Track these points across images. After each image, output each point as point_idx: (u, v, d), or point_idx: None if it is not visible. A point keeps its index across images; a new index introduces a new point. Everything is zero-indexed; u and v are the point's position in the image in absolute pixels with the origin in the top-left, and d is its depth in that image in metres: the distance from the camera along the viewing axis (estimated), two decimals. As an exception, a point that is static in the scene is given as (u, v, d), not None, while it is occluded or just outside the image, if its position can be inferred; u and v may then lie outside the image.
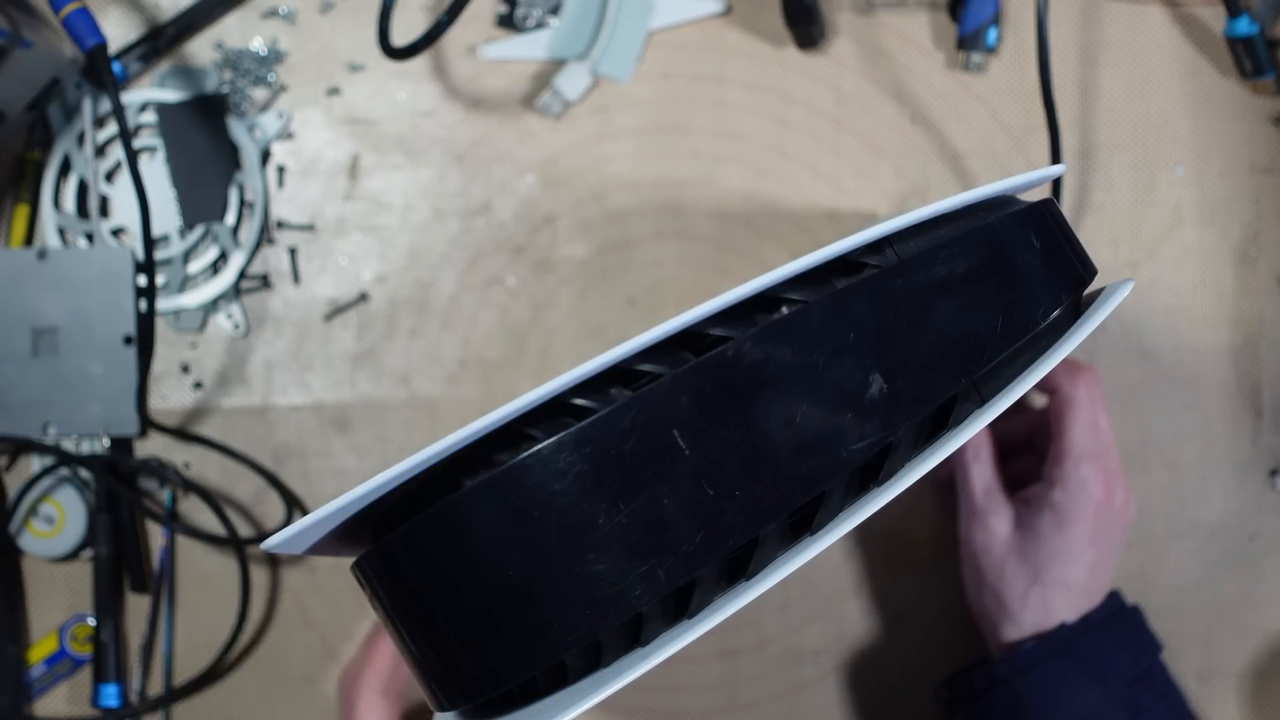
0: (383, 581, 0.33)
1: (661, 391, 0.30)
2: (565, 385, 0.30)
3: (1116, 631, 0.50)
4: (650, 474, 0.30)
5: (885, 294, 0.33)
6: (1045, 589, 0.49)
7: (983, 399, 0.35)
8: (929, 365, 0.33)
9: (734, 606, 0.32)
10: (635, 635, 0.33)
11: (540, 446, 0.30)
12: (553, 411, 0.31)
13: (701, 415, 0.31)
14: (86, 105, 0.57)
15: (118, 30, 0.58)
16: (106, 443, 0.57)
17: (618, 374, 0.31)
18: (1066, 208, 0.58)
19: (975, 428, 0.34)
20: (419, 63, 0.58)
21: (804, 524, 0.33)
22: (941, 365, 0.33)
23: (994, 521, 0.51)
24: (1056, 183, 0.56)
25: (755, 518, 0.31)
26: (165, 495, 0.58)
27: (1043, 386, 0.53)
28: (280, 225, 0.58)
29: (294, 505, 0.58)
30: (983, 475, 0.52)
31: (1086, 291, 0.39)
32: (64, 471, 0.57)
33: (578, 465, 0.30)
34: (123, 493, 0.57)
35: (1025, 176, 0.37)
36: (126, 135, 0.50)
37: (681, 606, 0.33)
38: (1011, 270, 0.35)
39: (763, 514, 0.31)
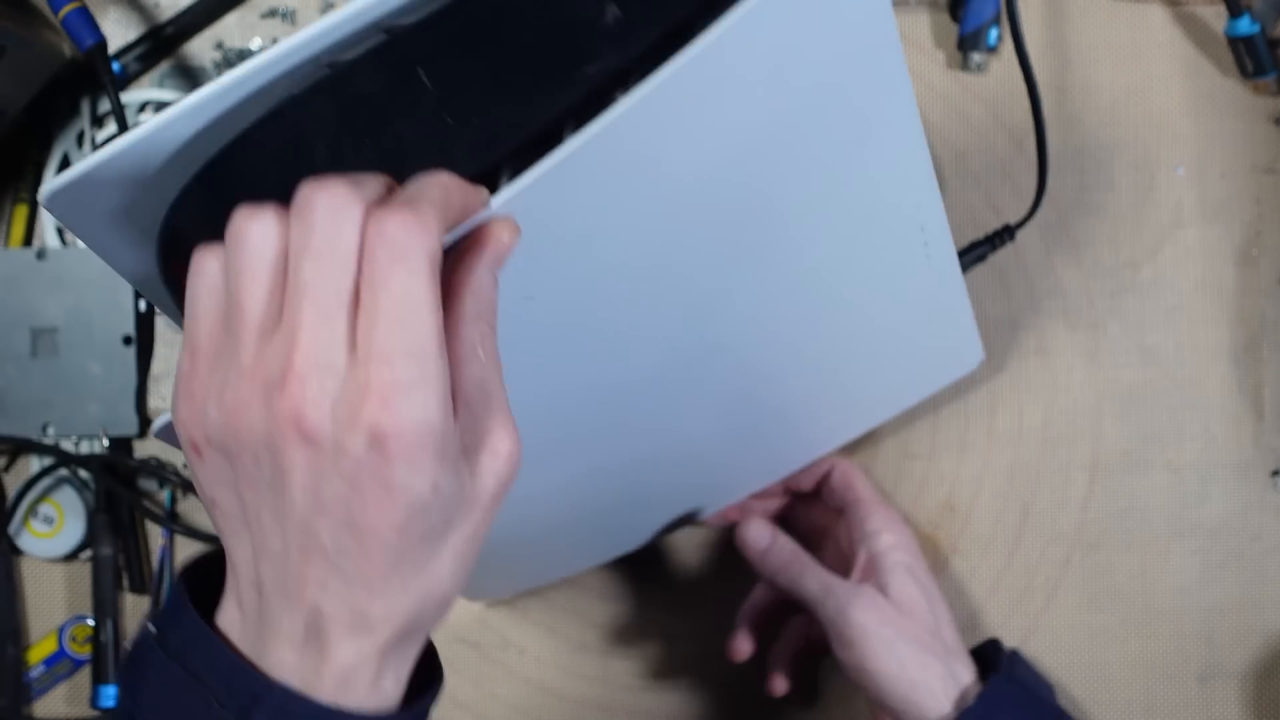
0: (175, 274, 0.33)
1: (406, 34, 0.31)
2: (307, 38, 0.30)
3: (1020, 669, 0.52)
4: (394, 111, 0.31)
5: None
6: (946, 661, 0.49)
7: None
8: None
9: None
10: None
11: (291, 93, 0.30)
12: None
13: (447, 51, 0.31)
14: (86, 105, 0.57)
15: (117, 30, 0.58)
16: (106, 443, 0.57)
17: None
18: (1066, 207, 0.58)
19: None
20: (419, 63, 0.58)
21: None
22: None
23: (863, 605, 0.50)
24: (1042, 183, 0.56)
25: (493, 143, 0.31)
26: (165, 495, 0.58)
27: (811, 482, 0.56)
28: (280, 225, 0.58)
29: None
30: (820, 574, 0.51)
31: None
32: (63, 472, 0.57)
33: (327, 108, 0.30)
34: (122, 493, 0.57)
35: None
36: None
37: None
38: None
39: (501, 138, 0.31)
